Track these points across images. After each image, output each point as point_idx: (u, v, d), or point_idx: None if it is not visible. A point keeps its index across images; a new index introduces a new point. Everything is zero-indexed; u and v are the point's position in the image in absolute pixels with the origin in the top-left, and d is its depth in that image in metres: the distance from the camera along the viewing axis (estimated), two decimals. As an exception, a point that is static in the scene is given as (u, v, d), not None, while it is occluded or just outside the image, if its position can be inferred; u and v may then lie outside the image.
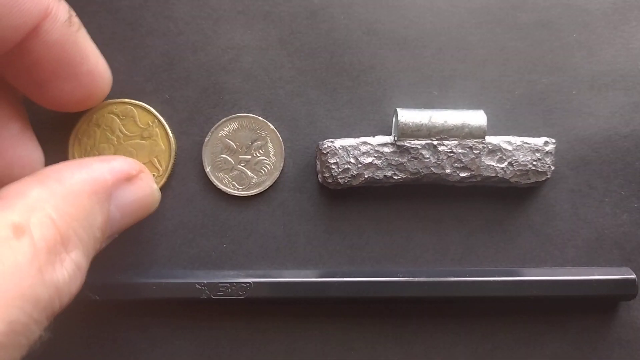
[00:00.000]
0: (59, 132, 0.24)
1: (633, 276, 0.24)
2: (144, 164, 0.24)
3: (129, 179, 0.19)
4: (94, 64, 0.20)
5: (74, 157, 0.24)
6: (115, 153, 0.24)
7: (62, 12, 0.19)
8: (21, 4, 0.17)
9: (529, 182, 0.25)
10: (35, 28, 0.18)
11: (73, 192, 0.17)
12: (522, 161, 0.24)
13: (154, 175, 0.24)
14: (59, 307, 0.16)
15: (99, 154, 0.24)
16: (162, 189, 0.25)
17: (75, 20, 0.19)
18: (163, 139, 0.24)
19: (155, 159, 0.24)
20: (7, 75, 0.19)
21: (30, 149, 0.20)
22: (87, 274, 0.18)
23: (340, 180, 0.24)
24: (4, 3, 0.16)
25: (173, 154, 0.24)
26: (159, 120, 0.24)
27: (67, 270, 0.16)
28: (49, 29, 0.18)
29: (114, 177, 0.19)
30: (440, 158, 0.24)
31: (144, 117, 0.24)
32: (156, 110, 0.24)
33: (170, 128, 0.24)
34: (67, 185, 0.17)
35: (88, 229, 0.17)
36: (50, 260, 0.15)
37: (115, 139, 0.24)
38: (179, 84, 0.25)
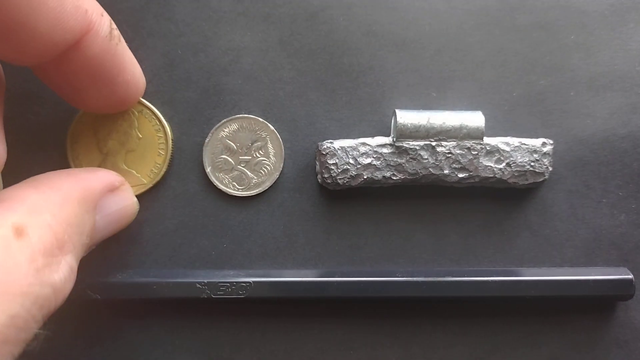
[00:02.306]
0: (57, 131, 0.24)
1: (630, 276, 0.24)
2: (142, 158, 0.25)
3: (112, 189, 0.20)
4: (130, 75, 0.21)
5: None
6: (115, 147, 0.24)
7: (104, 27, 0.19)
8: (65, 21, 0.17)
9: (526, 183, 0.25)
10: (76, 42, 0.18)
11: (66, 199, 0.17)
12: (519, 162, 0.24)
13: (153, 171, 0.24)
14: (54, 307, 0.16)
15: (105, 150, 0.24)
16: (161, 187, 0.25)
17: (116, 33, 0.20)
18: (159, 132, 0.25)
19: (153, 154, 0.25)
20: (44, 79, 0.20)
21: None
22: (88, 273, 0.19)
23: (339, 181, 0.24)
24: (48, 19, 0.16)
25: (170, 148, 0.24)
26: (152, 111, 0.25)
27: (62, 272, 0.16)
28: (90, 44, 0.18)
29: (100, 186, 0.20)
30: (439, 159, 0.24)
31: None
32: (158, 111, 0.25)
33: (167, 124, 0.25)
34: (61, 192, 0.17)
35: (79, 234, 0.18)
36: (47, 262, 0.16)
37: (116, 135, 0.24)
38: (180, 85, 0.25)
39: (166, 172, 0.25)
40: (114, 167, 0.24)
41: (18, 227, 0.15)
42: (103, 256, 0.24)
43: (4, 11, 0.15)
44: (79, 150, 0.24)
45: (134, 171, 0.24)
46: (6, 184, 0.24)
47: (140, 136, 0.24)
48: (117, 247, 0.25)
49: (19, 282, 0.14)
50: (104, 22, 0.19)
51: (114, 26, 0.20)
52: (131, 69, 0.21)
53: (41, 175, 0.19)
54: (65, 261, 0.17)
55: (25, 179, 0.24)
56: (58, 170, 0.19)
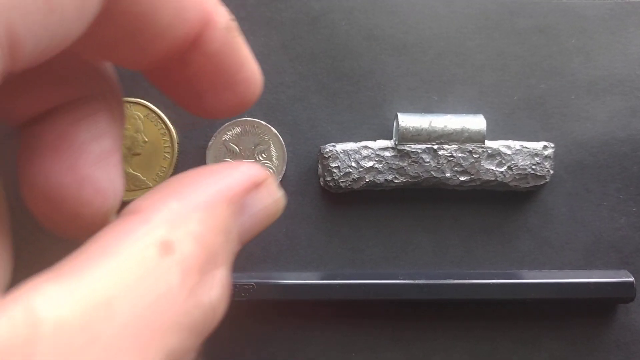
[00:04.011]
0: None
1: (631, 279, 0.25)
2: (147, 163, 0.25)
3: (257, 186, 0.17)
4: (250, 71, 0.18)
5: None
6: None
7: (223, 17, 0.16)
8: (185, 11, 0.15)
9: (527, 186, 0.25)
10: (196, 37, 0.16)
11: (213, 202, 0.15)
12: (521, 165, 0.25)
13: (159, 175, 0.25)
14: (210, 331, 0.14)
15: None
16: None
17: (234, 24, 0.17)
18: (164, 136, 0.25)
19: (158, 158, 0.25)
20: (161, 87, 0.18)
21: (110, 175, 0.18)
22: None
23: (341, 184, 0.24)
24: (168, 12, 0.14)
25: (175, 152, 0.25)
26: (157, 114, 0.25)
27: (218, 289, 0.14)
28: (209, 39, 0.16)
29: (246, 184, 0.17)
30: (440, 162, 0.24)
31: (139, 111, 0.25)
32: (163, 115, 0.25)
33: (173, 127, 0.25)
34: (206, 195, 0.15)
35: (230, 242, 0.15)
36: (202, 280, 0.13)
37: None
38: (183, 88, 0.25)
39: (171, 176, 0.25)
40: None
41: (164, 243, 0.13)
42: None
43: (125, 6, 0.13)
44: None
45: (140, 175, 0.24)
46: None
47: (146, 140, 0.25)
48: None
49: (173, 311, 0.12)
50: (221, 11, 0.16)
51: (232, 16, 0.17)
52: (250, 64, 0.18)
53: (178, 176, 0.16)
54: (219, 275, 0.14)
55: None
56: (196, 169, 0.17)
